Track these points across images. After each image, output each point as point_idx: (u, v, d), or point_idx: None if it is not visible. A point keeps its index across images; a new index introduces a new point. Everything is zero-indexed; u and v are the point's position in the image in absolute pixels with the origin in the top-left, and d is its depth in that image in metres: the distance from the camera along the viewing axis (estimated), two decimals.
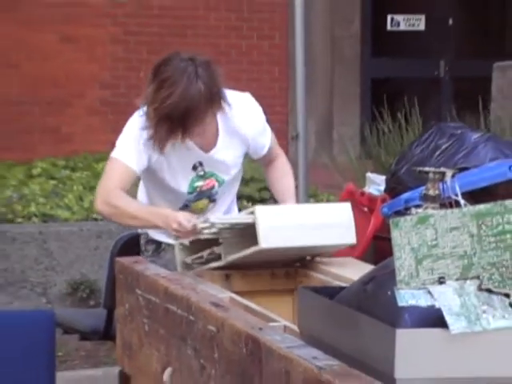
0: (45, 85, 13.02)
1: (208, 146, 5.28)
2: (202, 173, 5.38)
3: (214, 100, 5.10)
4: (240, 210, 5.79)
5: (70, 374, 6.43)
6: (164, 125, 4.91)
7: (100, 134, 13.07)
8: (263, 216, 4.62)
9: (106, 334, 5.59)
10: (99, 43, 13.51)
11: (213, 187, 5.44)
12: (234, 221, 4.79)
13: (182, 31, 13.73)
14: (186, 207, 5.48)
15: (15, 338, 4.92)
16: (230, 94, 5.37)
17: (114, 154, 5.33)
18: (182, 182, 5.38)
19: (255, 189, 9.35)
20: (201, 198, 5.47)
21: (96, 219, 8.67)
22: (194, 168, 5.37)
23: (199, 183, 5.39)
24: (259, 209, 4.66)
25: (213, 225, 4.70)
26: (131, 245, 5.25)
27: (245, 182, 9.50)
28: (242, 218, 4.91)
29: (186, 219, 4.91)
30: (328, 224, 4.73)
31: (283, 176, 5.60)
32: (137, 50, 13.63)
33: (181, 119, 4.93)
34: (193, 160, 5.34)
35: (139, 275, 4.75)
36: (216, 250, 4.76)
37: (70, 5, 13.26)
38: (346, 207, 4.90)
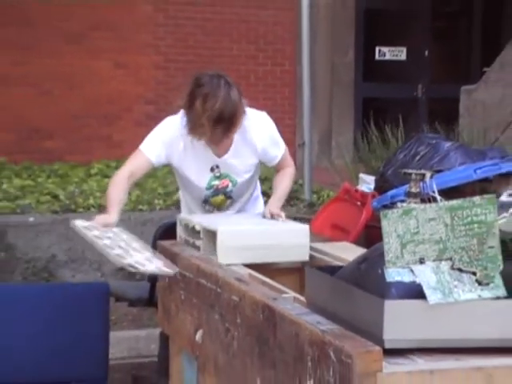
0: (101, 102, 13.02)
1: (221, 153, 5.28)
2: (218, 174, 5.38)
3: (242, 109, 5.15)
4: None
5: (120, 334, 6.42)
6: (218, 126, 4.92)
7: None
8: (223, 236, 4.57)
9: (150, 302, 5.57)
10: (145, 69, 13.51)
11: (227, 186, 5.42)
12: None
13: (211, 59, 13.71)
14: (206, 201, 5.51)
15: (78, 305, 4.92)
16: (249, 111, 5.33)
17: (142, 145, 5.46)
18: (202, 180, 5.39)
19: (268, 187, 9.32)
20: (217, 194, 5.45)
21: (141, 210, 8.68)
22: (212, 169, 5.37)
23: (215, 182, 5.39)
24: (220, 230, 4.60)
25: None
26: (170, 231, 5.22)
27: (261, 180, 9.51)
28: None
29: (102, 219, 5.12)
30: (281, 245, 4.65)
31: (281, 182, 5.54)
32: (175, 75, 13.60)
33: (228, 119, 4.96)
34: (210, 163, 5.34)
35: (176, 255, 4.74)
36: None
37: (122, 39, 13.27)
38: (304, 229, 4.83)
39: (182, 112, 5.27)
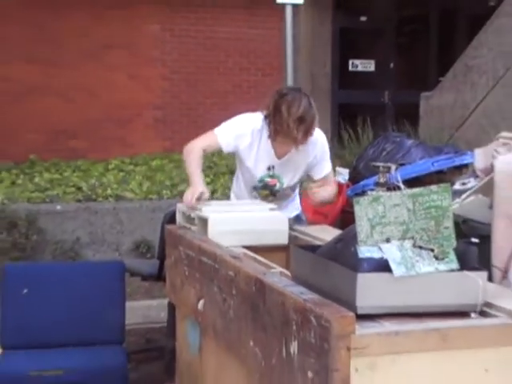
0: (116, 108, 13.01)
1: (281, 155, 5.32)
2: (271, 173, 5.42)
3: (316, 122, 5.24)
4: None
5: (134, 304, 6.42)
6: (301, 128, 5.02)
7: (153, 142, 13.07)
8: (213, 223, 4.59)
9: (159, 277, 5.58)
10: (153, 79, 13.50)
11: (275, 185, 5.45)
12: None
13: (210, 71, 13.74)
14: (254, 189, 5.53)
15: (99, 280, 4.94)
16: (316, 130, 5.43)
17: (217, 129, 5.44)
18: (257, 173, 5.43)
19: None
20: (265, 189, 5.48)
21: (151, 199, 8.67)
22: (268, 168, 5.42)
23: (267, 179, 5.43)
24: (212, 217, 4.62)
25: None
26: (174, 218, 5.22)
27: None
28: None
29: (190, 194, 5.02)
30: (267, 229, 4.67)
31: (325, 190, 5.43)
32: (179, 84, 13.63)
33: (309, 122, 5.09)
34: (268, 162, 5.38)
35: (181, 237, 4.74)
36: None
37: (134, 54, 13.29)
38: (283, 217, 4.83)
39: (261, 117, 5.37)
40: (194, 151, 5.41)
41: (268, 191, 5.48)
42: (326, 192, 5.41)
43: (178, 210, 5.23)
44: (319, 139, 5.43)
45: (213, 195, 8.65)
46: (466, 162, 5.75)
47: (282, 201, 5.52)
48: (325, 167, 5.49)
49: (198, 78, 13.71)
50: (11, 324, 4.77)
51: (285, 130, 5.07)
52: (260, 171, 5.42)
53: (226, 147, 5.40)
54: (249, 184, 5.56)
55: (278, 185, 5.44)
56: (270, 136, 5.24)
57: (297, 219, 5.51)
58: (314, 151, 5.36)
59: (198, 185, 5.13)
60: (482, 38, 9.68)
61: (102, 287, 4.90)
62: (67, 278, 4.97)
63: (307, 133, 5.11)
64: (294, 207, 5.70)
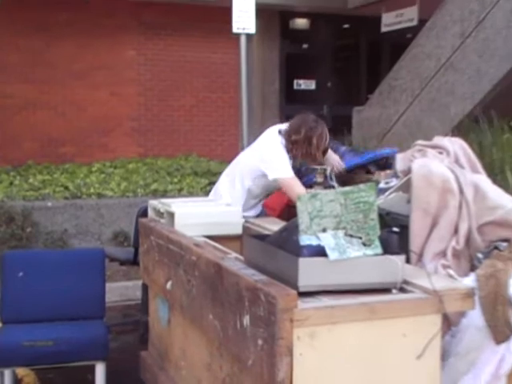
0: (99, 119, 12.99)
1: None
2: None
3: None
4: None
5: (113, 285, 6.41)
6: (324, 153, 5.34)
7: (130, 148, 13.08)
8: (179, 216, 4.57)
9: (134, 261, 5.56)
10: (131, 96, 13.48)
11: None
12: None
13: (178, 88, 13.74)
14: None
15: (83, 264, 4.91)
16: None
17: (287, 174, 5.27)
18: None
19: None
20: None
21: (128, 196, 8.65)
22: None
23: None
24: (177, 211, 4.59)
25: None
26: (147, 212, 5.20)
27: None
28: None
29: None
30: (223, 222, 4.65)
31: None
32: (151, 100, 13.62)
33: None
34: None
35: (152, 228, 4.71)
36: None
37: (115, 75, 13.26)
38: (237, 211, 4.82)
39: (282, 138, 5.30)
40: None
41: None
42: None
43: (149, 205, 5.21)
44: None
45: (179, 192, 8.64)
46: (385, 153, 5.78)
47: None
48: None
49: (167, 94, 13.72)
50: (9, 302, 4.77)
51: (312, 156, 5.22)
52: None
53: None
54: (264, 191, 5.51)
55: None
56: (292, 154, 5.26)
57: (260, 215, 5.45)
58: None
59: None
60: (402, 64, 9.75)
61: (85, 271, 4.88)
62: (56, 263, 4.96)
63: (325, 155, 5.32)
64: (259, 207, 5.65)
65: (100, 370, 4.41)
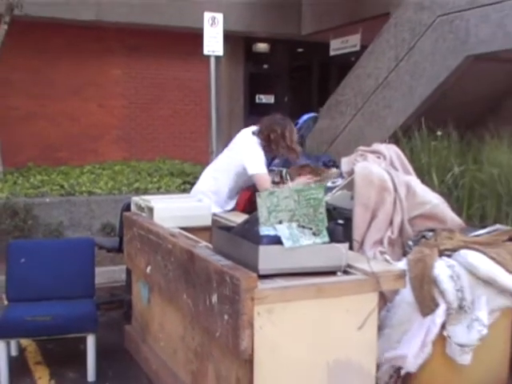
0: (90, 128, 12.93)
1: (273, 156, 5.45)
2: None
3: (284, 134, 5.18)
4: None
5: (102, 269, 6.32)
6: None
7: (116, 152, 12.99)
8: (158, 210, 4.55)
9: (119, 249, 5.50)
10: (117, 108, 13.43)
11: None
12: None
13: (157, 102, 13.72)
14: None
15: (76, 251, 4.87)
16: None
17: (259, 170, 5.14)
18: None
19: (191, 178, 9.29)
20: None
21: (114, 193, 8.58)
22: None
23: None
24: (156, 206, 4.57)
25: None
26: (130, 207, 5.17)
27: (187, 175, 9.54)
28: None
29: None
30: (195, 215, 4.64)
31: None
32: (134, 111, 13.59)
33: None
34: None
35: (135, 221, 4.69)
36: None
37: (103, 90, 13.21)
38: (207, 205, 4.81)
39: (257, 138, 5.21)
40: None
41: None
42: None
43: (132, 201, 5.19)
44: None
45: (158, 190, 8.60)
46: (326, 159, 5.81)
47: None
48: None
49: (148, 106, 13.66)
50: (14, 284, 4.75)
51: (290, 148, 5.15)
52: None
53: None
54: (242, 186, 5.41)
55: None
56: (272, 151, 5.21)
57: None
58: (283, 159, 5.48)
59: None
60: (347, 82, 9.78)
61: (78, 257, 4.85)
62: (53, 250, 4.93)
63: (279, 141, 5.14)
64: (233, 203, 5.55)
65: (91, 341, 4.40)
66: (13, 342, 4.75)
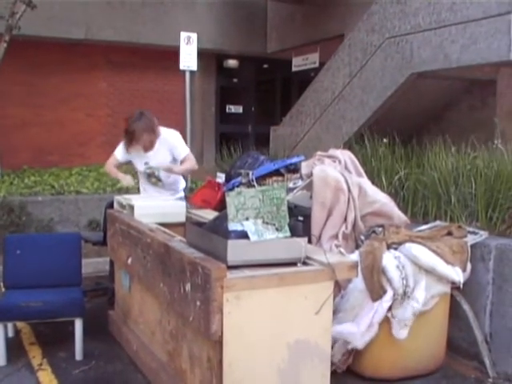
0: (78, 135, 12.82)
1: (147, 151, 5.18)
2: (148, 165, 5.28)
3: (147, 129, 5.10)
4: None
5: (88, 260, 6.24)
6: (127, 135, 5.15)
7: (101, 156, 12.69)
8: (137, 208, 4.52)
9: (104, 242, 5.43)
10: (102, 117, 13.30)
11: (153, 173, 5.30)
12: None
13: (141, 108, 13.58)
14: (147, 180, 5.41)
15: (65, 245, 4.81)
16: (166, 130, 5.36)
17: (115, 151, 5.45)
18: (141, 169, 5.35)
19: None
20: (151, 177, 5.34)
21: (99, 193, 8.49)
22: (146, 163, 5.29)
23: (147, 170, 5.30)
24: (136, 204, 4.54)
25: None
26: (113, 204, 5.12)
27: None
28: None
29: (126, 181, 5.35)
30: (171, 212, 4.62)
31: (183, 164, 5.33)
32: (118, 120, 13.33)
33: (138, 133, 5.07)
34: (144, 159, 5.26)
35: (117, 217, 4.64)
36: None
37: (90, 101, 13.07)
38: (182, 204, 4.79)
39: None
40: (109, 166, 5.45)
41: (155, 178, 5.35)
42: (186, 165, 5.31)
43: (115, 199, 5.15)
44: (167, 137, 5.28)
45: (138, 190, 8.51)
46: (293, 162, 5.79)
47: (169, 182, 5.40)
48: (181, 152, 5.31)
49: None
50: (10, 273, 4.71)
51: (133, 142, 5.13)
52: (142, 167, 5.34)
53: (121, 158, 5.40)
54: (144, 178, 5.44)
55: (156, 172, 5.31)
56: (128, 148, 5.25)
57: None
58: (165, 145, 5.23)
59: (125, 176, 5.35)
60: (307, 95, 9.80)
61: (67, 249, 4.80)
62: (45, 243, 4.88)
63: (134, 144, 5.14)
64: (177, 193, 5.52)
65: (78, 324, 4.36)
66: (9, 325, 4.71)
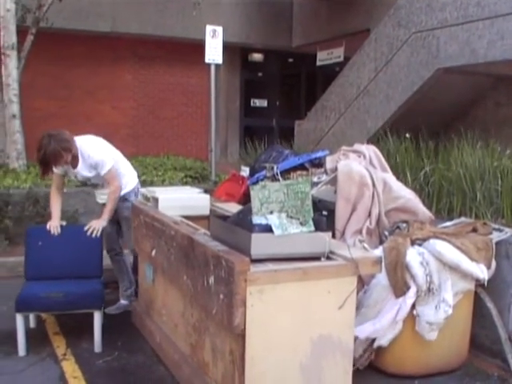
0: (103, 127, 12.80)
1: (75, 167, 4.85)
2: (78, 176, 5.01)
3: (60, 152, 4.65)
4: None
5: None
6: (41, 165, 4.69)
7: (126, 148, 12.80)
8: (162, 200, 4.54)
9: None
10: (127, 109, 13.40)
11: (87, 182, 5.15)
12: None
13: (163, 104, 13.69)
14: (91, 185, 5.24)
15: (86, 236, 4.79)
16: (85, 142, 4.94)
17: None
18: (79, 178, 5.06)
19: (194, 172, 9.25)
20: (90, 184, 5.17)
21: None
22: (75, 177, 5.07)
23: (79, 178, 5.09)
24: (160, 197, 4.56)
25: None
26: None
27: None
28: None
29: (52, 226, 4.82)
30: (195, 205, 4.64)
31: (108, 202, 4.99)
32: (143, 112, 13.54)
33: (53, 157, 4.63)
34: (74, 173, 4.98)
35: (142, 209, 4.67)
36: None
37: (115, 93, 13.17)
38: (206, 197, 4.79)
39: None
40: (51, 194, 5.06)
41: (94, 183, 5.14)
42: (108, 202, 4.97)
43: (139, 192, 5.16)
44: (90, 154, 4.83)
45: (162, 183, 8.55)
46: (318, 156, 5.76)
47: (104, 186, 5.07)
48: (102, 169, 4.86)
49: (155, 108, 13.61)
50: (31, 264, 4.73)
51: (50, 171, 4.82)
52: (75, 177, 5.12)
53: (60, 172, 4.95)
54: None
55: (88, 182, 5.12)
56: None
57: (123, 198, 5.11)
58: (88, 161, 4.83)
59: (54, 219, 4.91)
60: (332, 89, 9.77)
61: (89, 241, 4.79)
62: (69, 235, 4.88)
63: (49, 167, 4.72)
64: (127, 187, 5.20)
65: (97, 316, 4.39)
66: (31, 316, 4.74)
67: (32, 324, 4.81)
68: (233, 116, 14.53)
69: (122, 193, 5.12)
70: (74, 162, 4.86)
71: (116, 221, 5.21)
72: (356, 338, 3.79)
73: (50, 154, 4.62)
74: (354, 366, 3.85)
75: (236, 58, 14.32)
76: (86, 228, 4.82)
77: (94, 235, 4.78)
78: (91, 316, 4.42)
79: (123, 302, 5.35)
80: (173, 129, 13.81)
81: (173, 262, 3.84)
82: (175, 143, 13.66)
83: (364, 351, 4.02)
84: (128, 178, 5.24)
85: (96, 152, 4.92)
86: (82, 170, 4.92)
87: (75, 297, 4.35)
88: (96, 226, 4.82)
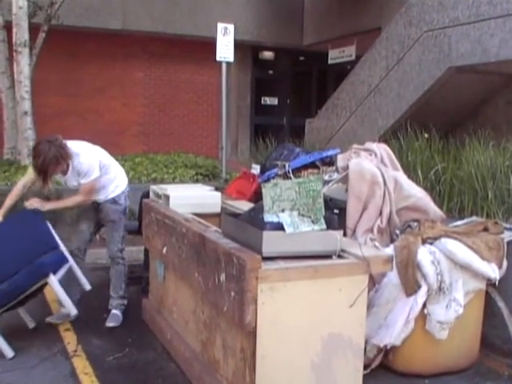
0: (114, 124, 12.93)
1: (65, 175, 4.67)
2: (67, 183, 4.82)
3: (59, 160, 4.46)
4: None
5: (126, 249, 6.27)
6: (40, 173, 4.46)
7: (136, 146, 13.00)
8: (173, 198, 4.53)
9: (138, 231, 5.47)
10: (138, 106, 13.41)
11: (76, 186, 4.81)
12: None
13: (173, 101, 13.69)
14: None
15: (25, 221, 4.51)
16: (80, 155, 4.74)
17: (29, 169, 4.86)
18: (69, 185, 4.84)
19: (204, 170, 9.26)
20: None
21: (135, 182, 8.44)
22: (65, 183, 4.86)
23: (69, 186, 4.85)
24: (172, 194, 4.54)
25: None
26: (149, 194, 5.15)
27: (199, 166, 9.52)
28: None
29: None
30: (206, 203, 4.62)
31: (67, 198, 4.90)
32: (153, 110, 13.55)
33: (49, 166, 4.41)
34: (64, 179, 4.78)
35: (153, 207, 4.68)
36: None
37: (126, 90, 13.21)
38: (217, 194, 4.75)
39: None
40: (15, 189, 4.80)
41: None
42: (59, 202, 4.95)
43: (150, 189, 5.18)
44: (80, 161, 4.67)
45: (173, 180, 8.57)
46: (329, 154, 5.75)
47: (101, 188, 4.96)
48: (84, 178, 4.67)
49: (165, 105, 13.64)
50: None
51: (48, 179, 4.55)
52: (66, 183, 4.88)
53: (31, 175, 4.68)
54: None
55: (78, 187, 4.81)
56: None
57: (112, 200, 5.01)
58: (76, 168, 4.62)
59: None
60: (343, 87, 9.75)
61: (30, 222, 4.44)
62: (8, 226, 4.46)
63: (46, 176, 4.46)
64: (109, 194, 5.00)
65: (51, 281, 4.18)
66: (30, 316, 4.67)
67: (30, 325, 4.75)
68: (243, 114, 14.54)
69: (112, 195, 5.01)
70: (66, 169, 4.70)
71: (96, 223, 5.09)
72: (368, 339, 3.79)
73: (50, 160, 4.42)
74: (369, 366, 3.88)
75: (247, 56, 14.33)
76: (26, 204, 4.57)
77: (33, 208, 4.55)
78: (103, 312, 4.43)
79: (116, 311, 5.12)
80: (183, 126, 13.83)
81: (184, 259, 3.85)
82: (186, 141, 13.69)
83: (378, 352, 4.03)
84: (118, 180, 5.13)
85: (86, 160, 4.74)
86: (70, 179, 4.77)
87: (19, 278, 4.07)
88: (36, 204, 4.60)
